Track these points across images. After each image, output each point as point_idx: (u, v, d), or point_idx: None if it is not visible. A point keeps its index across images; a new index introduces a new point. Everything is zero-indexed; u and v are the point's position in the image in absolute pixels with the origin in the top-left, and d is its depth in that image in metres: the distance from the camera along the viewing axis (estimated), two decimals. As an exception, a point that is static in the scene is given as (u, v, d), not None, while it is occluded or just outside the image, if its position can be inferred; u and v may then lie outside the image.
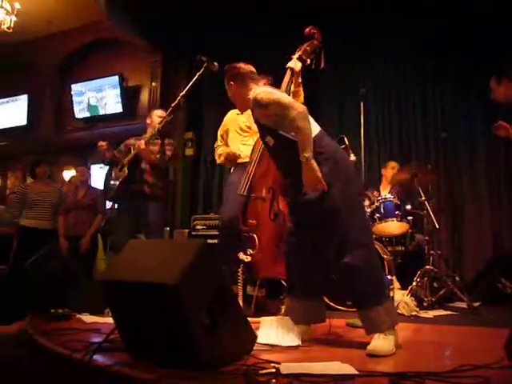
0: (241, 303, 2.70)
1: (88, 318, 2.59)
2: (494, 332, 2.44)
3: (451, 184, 5.01)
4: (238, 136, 3.40)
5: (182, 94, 3.20)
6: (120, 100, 6.97)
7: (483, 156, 4.86)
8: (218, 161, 3.52)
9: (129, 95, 7.04)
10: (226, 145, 3.48)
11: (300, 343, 2.01)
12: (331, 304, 3.39)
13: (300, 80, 2.62)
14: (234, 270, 2.81)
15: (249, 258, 2.77)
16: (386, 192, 4.37)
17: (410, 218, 4.03)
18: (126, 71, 7.14)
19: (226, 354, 1.54)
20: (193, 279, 1.51)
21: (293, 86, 2.56)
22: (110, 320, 1.90)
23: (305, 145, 1.97)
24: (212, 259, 1.66)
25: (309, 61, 2.57)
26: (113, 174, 3.79)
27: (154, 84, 6.56)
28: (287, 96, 2.23)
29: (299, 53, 2.54)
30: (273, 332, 2.01)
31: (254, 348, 1.73)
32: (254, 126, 2.49)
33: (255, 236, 2.84)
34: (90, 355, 1.62)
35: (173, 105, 3.24)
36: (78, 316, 2.64)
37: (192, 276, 1.51)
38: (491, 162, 4.82)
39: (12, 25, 6.01)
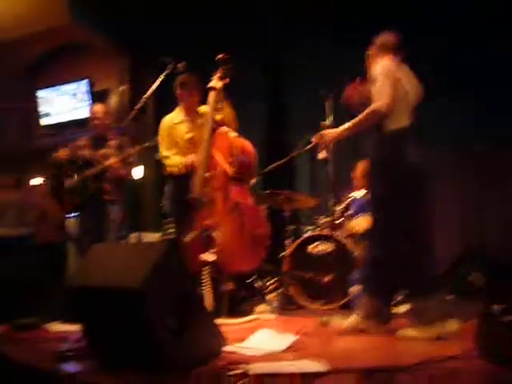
0: (212, 304, 2.67)
1: (56, 327, 2.53)
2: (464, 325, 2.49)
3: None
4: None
5: (145, 96, 3.17)
6: (89, 104, 6.86)
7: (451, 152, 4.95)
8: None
9: (96, 100, 6.93)
10: None
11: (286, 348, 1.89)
12: (304, 303, 3.42)
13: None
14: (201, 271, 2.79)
15: (213, 257, 2.75)
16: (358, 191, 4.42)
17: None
18: (93, 75, 7.03)
19: (194, 356, 1.53)
20: (157, 282, 1.50)
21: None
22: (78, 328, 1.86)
23: None
24: (177, 261, 1.64)
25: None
26: None
27: (122, 87, 6.47)
28: None
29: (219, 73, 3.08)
30: (259, 336, 1.98)
31: (228, 350, 1.72)
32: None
33: (214, 234, 2.84)
34: (56, 364, 1.60)
35: (136, 107, 3.21)
36: (45, 325, 2.57)
37: (156, 279, 1.50)
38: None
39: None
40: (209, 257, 2.76)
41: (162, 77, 3.13)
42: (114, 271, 1.60)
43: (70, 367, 1.59)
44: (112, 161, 3.55)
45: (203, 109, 3.36)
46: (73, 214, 4.59)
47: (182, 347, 1.49)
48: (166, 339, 1.47)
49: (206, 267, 2.78)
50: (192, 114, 3.40)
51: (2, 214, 4.62)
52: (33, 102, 7.40)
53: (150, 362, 1.49)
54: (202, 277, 2.75)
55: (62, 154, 3.74)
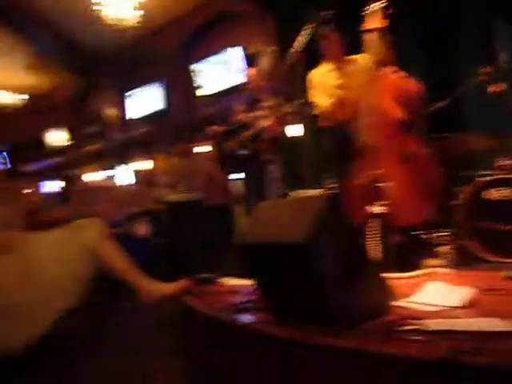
0: (379, 257, 2.58)
1: (232, 282, 2.72)
2: None
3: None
4: None
5: (293, 53, 3.11)
6: (243, 70, 7.09)
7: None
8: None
9: (250, 64, 7.13)
10: None
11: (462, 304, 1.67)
12: (482, 256, 3.09)
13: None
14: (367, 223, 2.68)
15: (381, 209, 2.62)
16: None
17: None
18: (242, 41, 7.24)
19: (363, 311, 1.48)
20: (322, 236, 1.46)
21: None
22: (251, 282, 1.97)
23: None
24: (341, 214, 1.59)
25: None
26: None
27: (271, 48, 6.52)
28: None
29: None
30: (432, 291, 1.85)
31: (398, 305, 1.64)
32: None
33: (383, 185, 2.67)
34: (233, 315, 1.71)
35: (285, 65, 3.18)
36: (222, 280, 2.79)
37: (320, 232, 1.46)
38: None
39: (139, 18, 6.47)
40: (377, 209, 2.64)
41: (308, 32, 3.04)
42: (279, 227, 1.62)
43: (246, 318, 1.68)
44: (267, 121, 3.64)
45: (357, 57, 3.21)
46: (236, 177, 4.90)
47: (350, 302, 1.45)
48: (334, 293, 1.45)
49: (374, 219, 2.68)
50: (340, 63, 3.27)
51: (176, 181, 5.13)
52: (189, 75, 7.98)
53: (318, 316, 1.49)
54: (369, 229, 2.66)
55: (218, 128, 3.98)
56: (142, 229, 5.26)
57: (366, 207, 2.66)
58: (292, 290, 1.58)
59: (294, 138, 5.48)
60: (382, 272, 1.68)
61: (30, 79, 9.83)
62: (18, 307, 1.91)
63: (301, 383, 1.38)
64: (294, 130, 5.73)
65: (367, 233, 2.61)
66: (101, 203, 4.52)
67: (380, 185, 2.68)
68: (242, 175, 4.05)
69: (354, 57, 3.22)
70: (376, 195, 2.67)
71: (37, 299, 1.94)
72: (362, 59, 3.12)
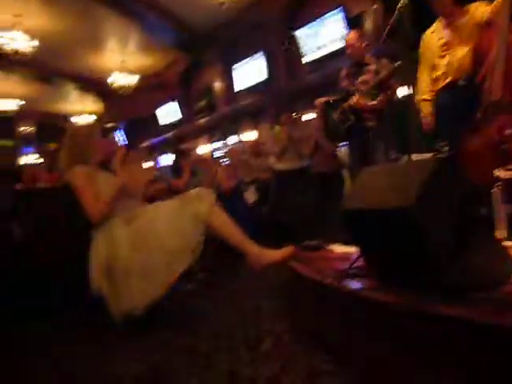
0: (503, 226, 2.37)
1: (338, 248, 2.72)
2: None
3: None
4: None
5: (399, 6, 2.92)
6: (345, 32, 6.85)
7: None
8: None
9: (352, 26, 6.85)
10: None
11: None
12: None
13: None
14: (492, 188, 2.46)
15: (509, 174, 2.38)
16: None
17: None
18: (345, 2, 6.95)
19: (475, 280, 1.39)
20: (431, 199, 1.40)
21: None
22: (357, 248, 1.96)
23: None
24: (455, 178, 1.50)
25: None
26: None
27: (374, 6, 6.19)
28: None
29: None
30: None
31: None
32: None
33: None
34: (339, 280, 1.73)
35: (389, 23, 3.00)
36: (328, 246, 2.81)
37: (430, 196, 1.40)
38: None
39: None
40: (505, 174, 2.41)
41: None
42: (385, 192, 1.57)
43: (352, 284, 1.68)
44: (369, 87, 3.50)
45: (471, 6, 2.93)
46: (343, 144, 4.81)
47: (462, 268, 1.38)
48: (444, 259, 1.39)
49: (499, 184, 2.45)
50: (450, 16, 3.00)
51: (283, 150, 5.18)
52: (292, 42, 7.88)
53: (428, 283, 1.44)
54: (494, 195, 2.44)
55: (323, 98, 3.90)
56: (251, 197, 5.44)
57: (492, 171, 2.43)
58: (399, 256, 1.54)
59: (401, 101, 5.21)
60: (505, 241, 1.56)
61: (142, 60, 10.48)
62: (141, 270, 2.13)
63: (405, 351, 1.36)
64: (403, 91, 5.44)
65: (491, 198, 2.40)
66: (211, 174, 4.74)
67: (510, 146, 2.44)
68: (348, 142, 3.96)
69: (467, 7, 2.93)
70: (504, 157, 2.43)
71: (155, 264, 2.14)
72: (476, 8, 2.84)
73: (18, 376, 1.91)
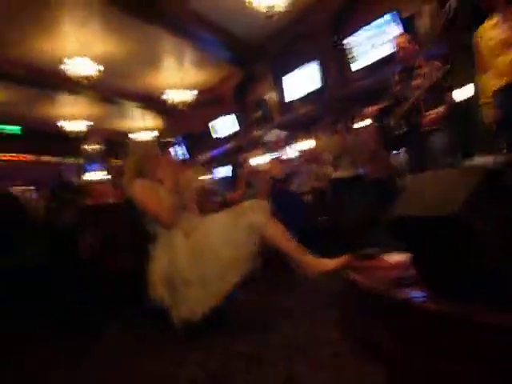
0: None
1: (392, 257, 2.68)
2: None
3: None
4: None
5: (448, 7, 2.86)
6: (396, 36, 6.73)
7: None
8: None
9: (407, 28, 6.72)
10: None
11: None
12: None
13: None
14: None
15: None
16: None
17: None
18: (398, 3, 6.84)
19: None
20: (481, 208, 1.38)
21: None
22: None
23: None
24: (499, 187, 1.47)
25: None
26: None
27: (428, 6, 6.03)
28: None
29: None
30: None
31: None
32: None
33: None
34: (392, 289, 1.72)
35: (441, 22, 2.93)
36: (383, 255, 2.77)
37: (479, 204, 1.38)
38: None
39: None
40: None
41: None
42: (434, 199, 1.57)
43: (404, 293, 1.67)
44: (421, 91, 3.42)
45: None
46: (399, 151, 4.72)
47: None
48: (502, 269, 1.35)
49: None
50: (507, 12, 2.89)
51: (338, 158, 5.16)
52: (343, 49, 7.84)
53: (484, 293, 1.40)
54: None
55: (375, 107, 3.85)
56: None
57: None
58: (451, 264, 1.52)
59: (461, 103, 5.02)
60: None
61: (197, 76, 10.82)
62: (199, 281, 2.23)
63: (459, 360, 1.33)
64: (462, 93, 5.24)
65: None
66: (266, 186, 4.78)
67: None
68: (404, 149, 3.89)
69: None
70: None
71: (211, 275, 2.23)
72: None
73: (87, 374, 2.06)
